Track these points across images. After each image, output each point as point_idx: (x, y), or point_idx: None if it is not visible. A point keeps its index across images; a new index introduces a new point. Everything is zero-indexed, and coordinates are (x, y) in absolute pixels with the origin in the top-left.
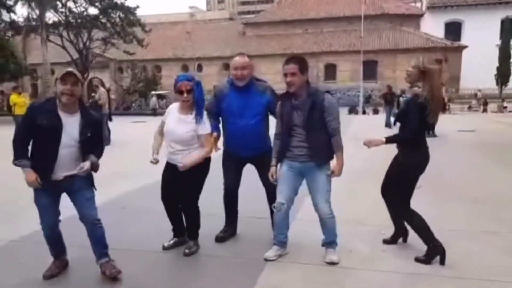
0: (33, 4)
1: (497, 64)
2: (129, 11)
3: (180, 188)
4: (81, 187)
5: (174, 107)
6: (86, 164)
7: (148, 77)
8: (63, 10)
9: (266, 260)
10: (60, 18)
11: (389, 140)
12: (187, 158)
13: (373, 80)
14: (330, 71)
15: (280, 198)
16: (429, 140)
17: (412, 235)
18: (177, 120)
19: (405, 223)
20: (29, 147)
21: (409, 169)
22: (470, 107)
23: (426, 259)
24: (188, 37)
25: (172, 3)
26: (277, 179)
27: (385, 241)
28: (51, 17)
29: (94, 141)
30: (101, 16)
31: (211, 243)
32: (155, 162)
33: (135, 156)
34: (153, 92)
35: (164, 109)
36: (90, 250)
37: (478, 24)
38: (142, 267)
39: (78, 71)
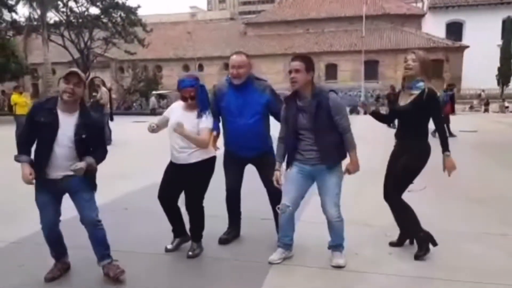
0: (34, 4)
1: (498, 64)
2: (130, 11)
3: (184, 188)
4: (80, 189)
5: (178, 105)
6: (79, 164)
7: (149, 76)
8: (64, 9)
9: (270, 263)
10: (61, 18)
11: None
12: (185, 129)
13: (374, 80)
14: (331, 71)
15: (286, 200)
16: (431, 141)
17: None
18: (181, 116)
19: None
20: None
21: (420, 158)
22: (471, 107)
23: (424, 252)
24: (189, 37)
25: (173, 3)
26: (283, 182)
27: (391, 244)
28: (52, 16)
29: (93, 142)
30: (102, 16)
31: (215, 245)
32: (154, 126)
33: (136, 156)
34: (154, 92)
35: (165, 108)
36: (92, 251)
37: (479, 24)
38: (145, 270)
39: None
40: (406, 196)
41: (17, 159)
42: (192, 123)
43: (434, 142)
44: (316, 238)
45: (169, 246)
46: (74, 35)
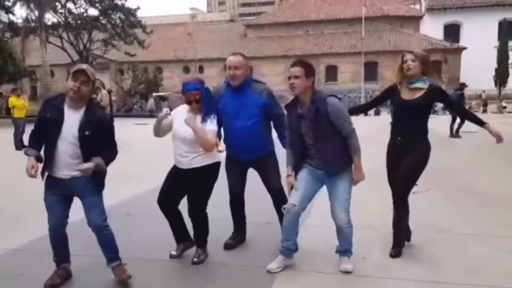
0: (32, 5)
1: (495, 66)
2: (130, 13)
3: (185, 193)
4: (87, 193)
5: (182, 108)
6: (86, 164)
7: (149, 78)
8: (62, 11)
9: (269, 272)
10: (59, 19)
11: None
12: (194, 121)
13: (374, 81)
14: (331, 73)
15: (293, 200)
16: (433, 142)
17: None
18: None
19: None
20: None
21: (427, 155)
22: (470, 108)
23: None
24: (189, 38)
25: (173, 4)
26: (297, 188)
27: (392, 256)
28: (50, 18)
29: (101, 141)
30: (101, 17)
31: (220, 250)
32: (167, 112)
33: (138, 159)
34: (154, 94)
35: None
36: (95, 258)
37: (476, 26)
38: (149, 277)
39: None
40: (411, 198)
41: (25, 152)
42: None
43: (438, 144)
44: (321, 242)
45: (174, 252)
46: (73, 36)
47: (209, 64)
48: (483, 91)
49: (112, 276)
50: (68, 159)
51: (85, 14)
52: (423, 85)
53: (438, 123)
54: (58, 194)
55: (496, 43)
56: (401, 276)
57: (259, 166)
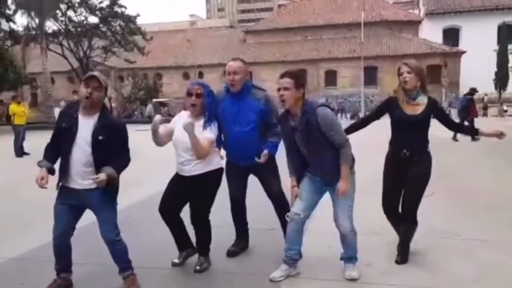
0: (32, 13)
1: (495, 69)
2: (130, 20)
3: (187, 201)
4: (101, 207)
5: (183, 115)
6: (101, 175)
7: (149, 85)
8: (63, 19)
9: (271, 281)
10: (60, 27)
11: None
12: (191, 126)
13: (374, 86)
14: (331, 78)
15: (296, 208)
16: (434, 146)
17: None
18: None
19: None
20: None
21: (431, 165)
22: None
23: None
24: (189, 45)
25: (173, 11)
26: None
27: (398, 262)
28: (50, 26)
29: (114, 147)
30: (101, 25)
31: (223, 257)
32: (158, 120)
33: (141, 165)
34: (154, 100)
35: (165, 116)
36: (97, 267)
37: (475, 29)
38: (151, 285)
39: (79, 79)
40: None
41: (38, 163)
42: (196, 133)
43: (440, 148)
44: (325, 249)
45: (176, 260)
46: (73, 44)
47: (209, 70)
48: (485, 95)
49: (115, 286)
50: (82, 168)
51: (85, 22)
52: (423, 99)
53: (438, 128)
54: (68, 204)
55: (496, 47)
56: (407, 283)
57: (258, 172)
